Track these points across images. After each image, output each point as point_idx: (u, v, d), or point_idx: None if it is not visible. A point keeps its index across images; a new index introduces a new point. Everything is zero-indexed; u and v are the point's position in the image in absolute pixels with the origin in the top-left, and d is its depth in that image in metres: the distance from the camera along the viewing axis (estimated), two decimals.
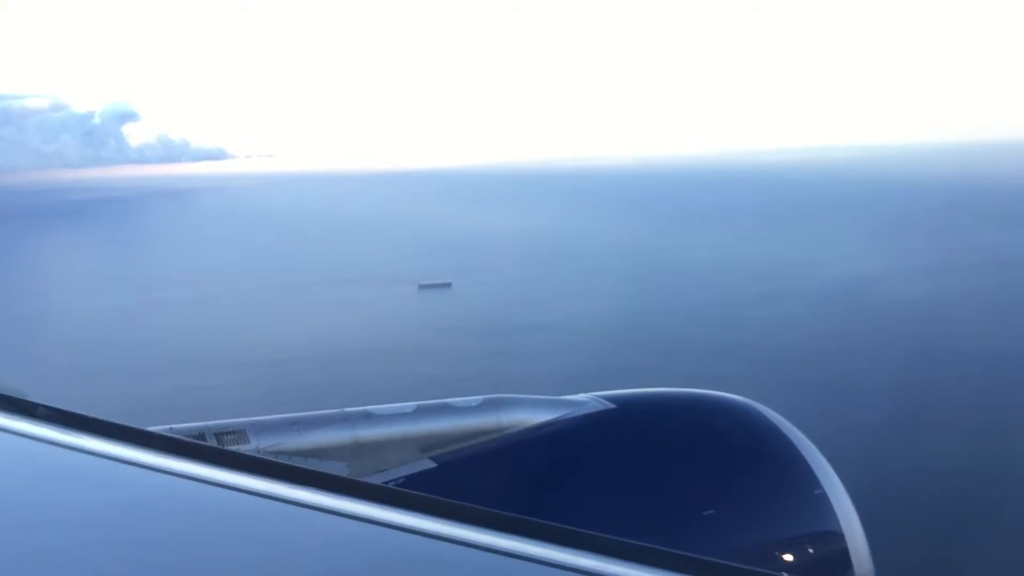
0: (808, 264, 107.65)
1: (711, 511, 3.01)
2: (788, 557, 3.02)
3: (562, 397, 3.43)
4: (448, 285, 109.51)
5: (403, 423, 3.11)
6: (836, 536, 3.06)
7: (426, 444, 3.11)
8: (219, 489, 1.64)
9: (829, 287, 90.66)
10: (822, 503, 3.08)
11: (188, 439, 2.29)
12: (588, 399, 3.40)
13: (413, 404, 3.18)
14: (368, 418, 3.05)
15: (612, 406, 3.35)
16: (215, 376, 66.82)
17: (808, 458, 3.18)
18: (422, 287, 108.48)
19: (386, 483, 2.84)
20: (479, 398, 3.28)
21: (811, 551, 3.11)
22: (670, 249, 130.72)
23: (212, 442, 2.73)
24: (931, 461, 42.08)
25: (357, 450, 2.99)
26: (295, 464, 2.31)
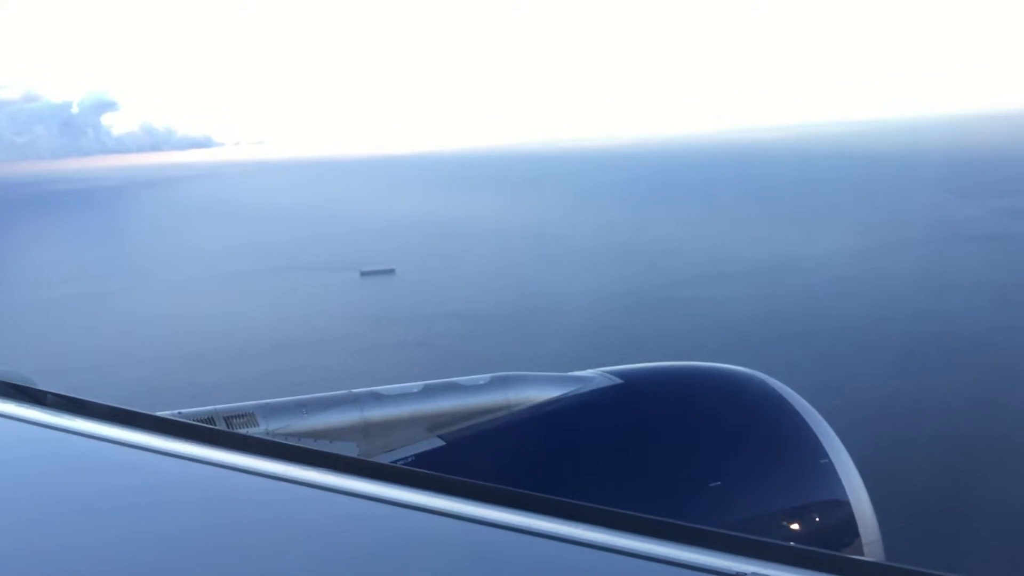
0: (763, 243, 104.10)
1: (719, 482, 3.01)
2: (796, 526, 3.05)
3: (569, 373, 3.37)
4: (391, 271, 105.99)
5: (411, 403, 3.07)
6: (842, 504, 3.06)
7: (434, 423, 3.08)
8: (230, 472, 1.64)
9: (774, 266, 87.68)
10: (828, 472, 3.08)
11: (198, 423, 2.36)
12: (595, 375, 3.36)
13: (420, 384, 3.13)
14: (376, 399, 3.04)
15: (619, 381, 3.32)
16: (115, 373, 63.49)
17: (815, 428, 3.16)
18: (364, 274, 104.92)
19: (395, 462, 2.88)
20: (487, 376, 3.22)
21: (818, 519, 3.13)
22: (626, 231, 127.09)
23: (221, 426, 2.72)
24: None
25: (366, 430, 2.98)
26: (304, 446, 2.38)
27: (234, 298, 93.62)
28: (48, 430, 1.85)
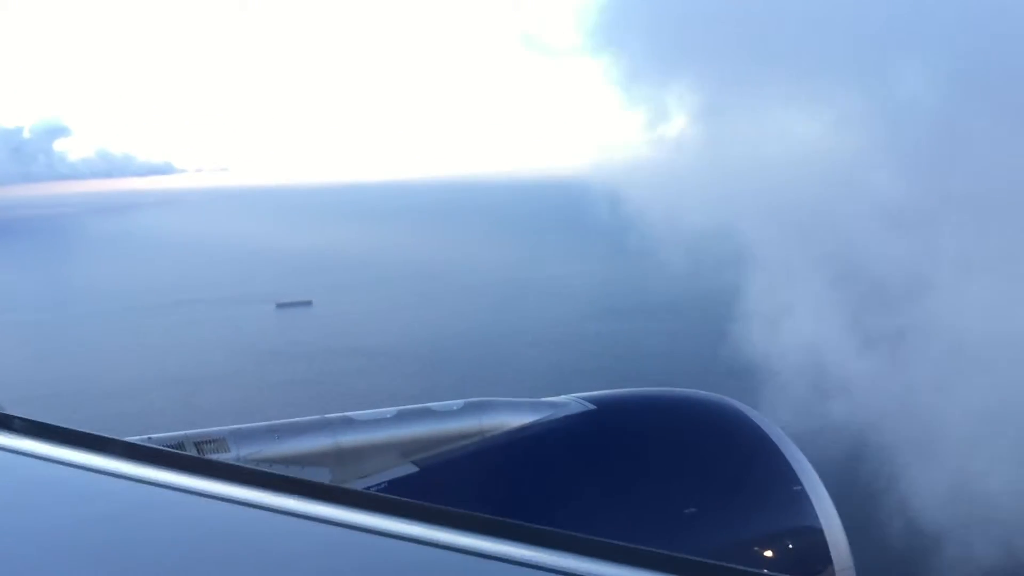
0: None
1: (692, 509, 3.01)
2: (769, 553, 3.05)
3: (543, 399, 3.37)
4: (308, 304, 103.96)
5: (384, 428, 3.05)
6: (816, 531, 3.06)
7: (408, 449, 3.07)
8: (200, 498, 1.61)
9: None
10: (801, 499, 3.09)
11: (167, 449, 2.32)
12: (569, 400, 3.37)
13: (394, 409, 3.10)
14: (349, 424, 3.02)
15: (592, 407, 3.34)
16: None
17: (787, 454, 3.16)
18: (280, 306, 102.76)
19: (368, 488, 2.86)
20: (460, 402, 3.21)
21: (791, 547, 3.13)
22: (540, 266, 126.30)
23: (192, 451, 2.68)
24: None
25: (339, 456, 2.96)
26: (276, 472, 2.37)
27: (138, 332, 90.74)
28: (15, 455, 1.79)
